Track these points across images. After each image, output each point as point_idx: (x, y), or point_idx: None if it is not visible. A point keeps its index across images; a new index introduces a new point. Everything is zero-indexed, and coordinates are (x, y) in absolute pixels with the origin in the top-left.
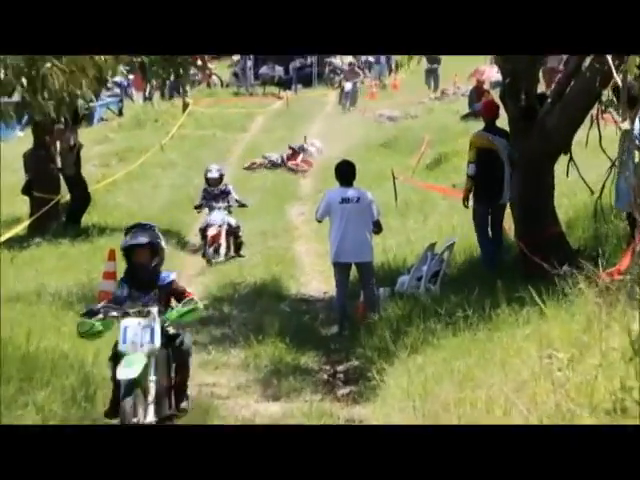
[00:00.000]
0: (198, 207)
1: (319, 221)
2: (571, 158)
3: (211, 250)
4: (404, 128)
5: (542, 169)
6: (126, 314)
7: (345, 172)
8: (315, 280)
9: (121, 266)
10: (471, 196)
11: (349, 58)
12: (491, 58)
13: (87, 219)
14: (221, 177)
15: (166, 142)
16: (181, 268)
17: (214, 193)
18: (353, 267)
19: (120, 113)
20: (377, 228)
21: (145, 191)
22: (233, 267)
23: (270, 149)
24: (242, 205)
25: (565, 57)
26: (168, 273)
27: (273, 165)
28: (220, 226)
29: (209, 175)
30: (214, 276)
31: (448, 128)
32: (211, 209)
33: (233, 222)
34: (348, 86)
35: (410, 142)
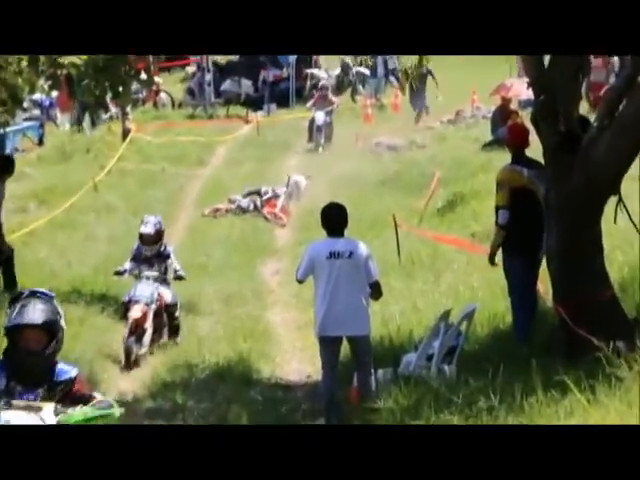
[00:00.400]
0: (119, 273)
1: (300, 281)
2: (620, 199)
3: (132, 338)
4: (408, 161)
5: (587, 214)
6: (8, 404)
7: (334, 218)
8: (295, 360)
9: None
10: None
11: (337, 70)
12: (519, 70)
13: None
14: (158, 234)
15: (101, 179)
16: (118, 345)
17: (146, 255)
18: (344, 342)
19: (40, 142)
20: (375, 291)
21: (74, 244)
22: (189, 342)
23: (236, 188)
24: (179, 277)
25: (615, 68)
26: (69, 367)
27: (242, 212)
28: (147, 304)
29: (142, 230)
30: (164, 355)
31: (465, 161)
32: (138, 277)
33: (168, 297)
34: (320, 117)
35: (416, 179)
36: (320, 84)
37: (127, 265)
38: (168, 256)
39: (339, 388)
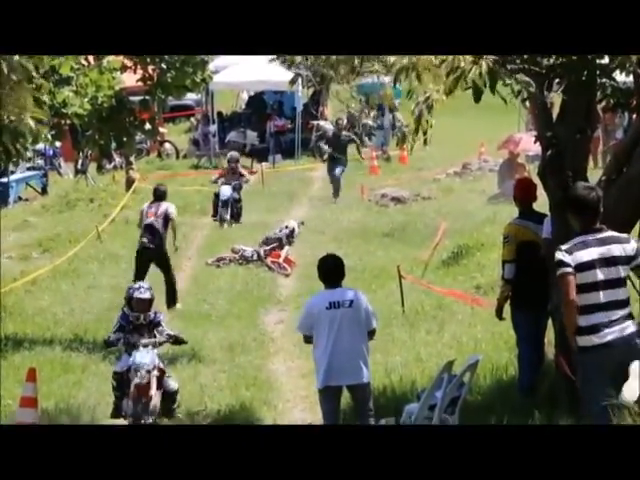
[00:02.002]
0: (111, 344)
1: (307, 337)
2: None
3: (139, 407)
4: (414, 213)
5: None
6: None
7: (331, 269)
8: (297, 408)
9: (43, 390)
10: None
11: (343, 121)
12: (527, 124)
13: None
14: (151, 300)
15: (104, 228)
16: None
17: (138, 323)
18: (345, 391)
19: (44, 191)
20: (370, 337)
21: (77, 293)
22: (191, 390)
23: (240, 238)
24: (178, 341)
25: (624, 123)
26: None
27: (246, 261)
28: (149, 371)
29: (136, 295)
30: (165, 402)
31: (471, 213)
32: (133, 347)
33: (170, 384)
34: (225, 192)
35: (421, 231)
36: (229, 155)
37: (113, 336)
38: (159, 324)
39: None
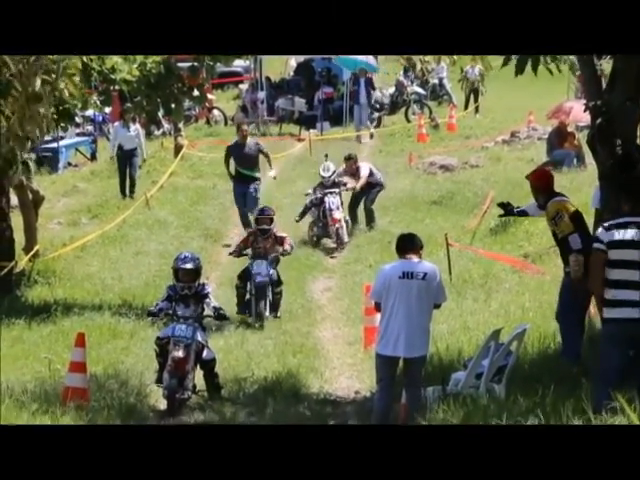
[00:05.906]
0: (154, 314)
1: (378, 304)
2: None
3: (174, 381)
4: (462, 181)
5: None
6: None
7: (409, 240)
8: (344, 376)
9: (91, 355)
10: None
11: (391, 89)
12: (577, 91)
13: (48, 294)
14: (197, 271)
15: (153, 195)
16: None
17: (184, 294)
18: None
19: (93, 157)
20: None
21: (125, 258)
22: (238, 356)
23: (287, 205)
24: (221, 317)
25: None
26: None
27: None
28: (188, 346)
29: (182, 266)
30: None
31: (519, 182)
32: (176, 318)
33: (206, 352)
34: (262, 271)
35: (469, 199)
36: (257, 211)
37: (160, 305)
38: (206, 295)
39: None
